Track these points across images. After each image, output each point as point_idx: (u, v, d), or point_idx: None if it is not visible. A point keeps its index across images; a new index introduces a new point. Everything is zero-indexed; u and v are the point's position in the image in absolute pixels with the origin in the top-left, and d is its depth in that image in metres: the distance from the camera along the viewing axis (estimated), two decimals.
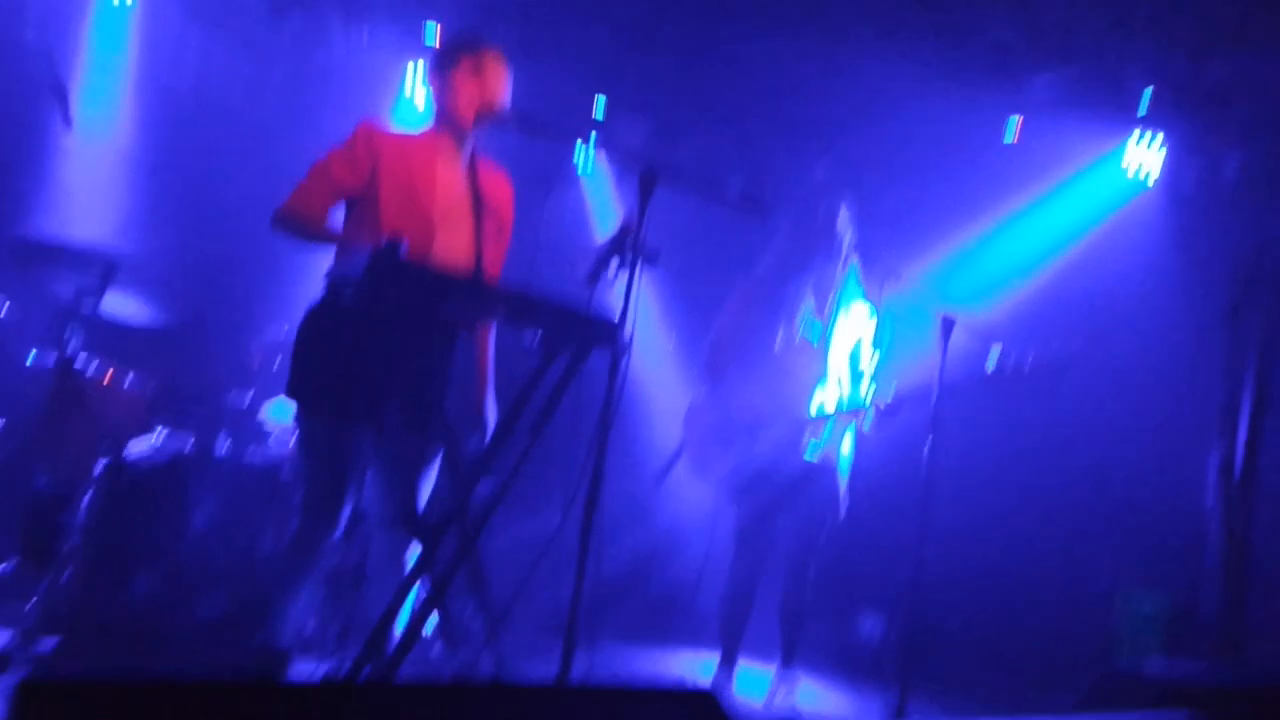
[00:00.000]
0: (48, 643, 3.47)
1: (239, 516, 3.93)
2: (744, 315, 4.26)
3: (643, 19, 5.12)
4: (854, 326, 4.26)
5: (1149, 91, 4.84)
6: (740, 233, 5.25)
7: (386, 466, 3.14)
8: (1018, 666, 4.43)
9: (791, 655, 4.23)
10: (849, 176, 5.30)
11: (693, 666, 4.35)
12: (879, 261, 4.10)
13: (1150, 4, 4.33)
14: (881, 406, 3.99)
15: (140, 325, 4.37)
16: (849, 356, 4.26)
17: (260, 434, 4.27)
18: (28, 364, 4.24)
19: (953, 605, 4.66)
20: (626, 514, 5.14)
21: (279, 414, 4.29)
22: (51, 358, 4.10)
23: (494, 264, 3.26)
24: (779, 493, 4.12)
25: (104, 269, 4.11)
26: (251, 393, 4.38)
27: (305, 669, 3.37)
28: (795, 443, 4.12)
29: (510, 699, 1.51)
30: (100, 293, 4.14)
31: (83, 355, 4.11)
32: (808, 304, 4.20)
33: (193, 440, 4.07)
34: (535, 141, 4.91)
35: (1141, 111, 4.93)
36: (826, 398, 4.19)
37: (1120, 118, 5.01)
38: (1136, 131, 5.12)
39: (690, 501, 4.87)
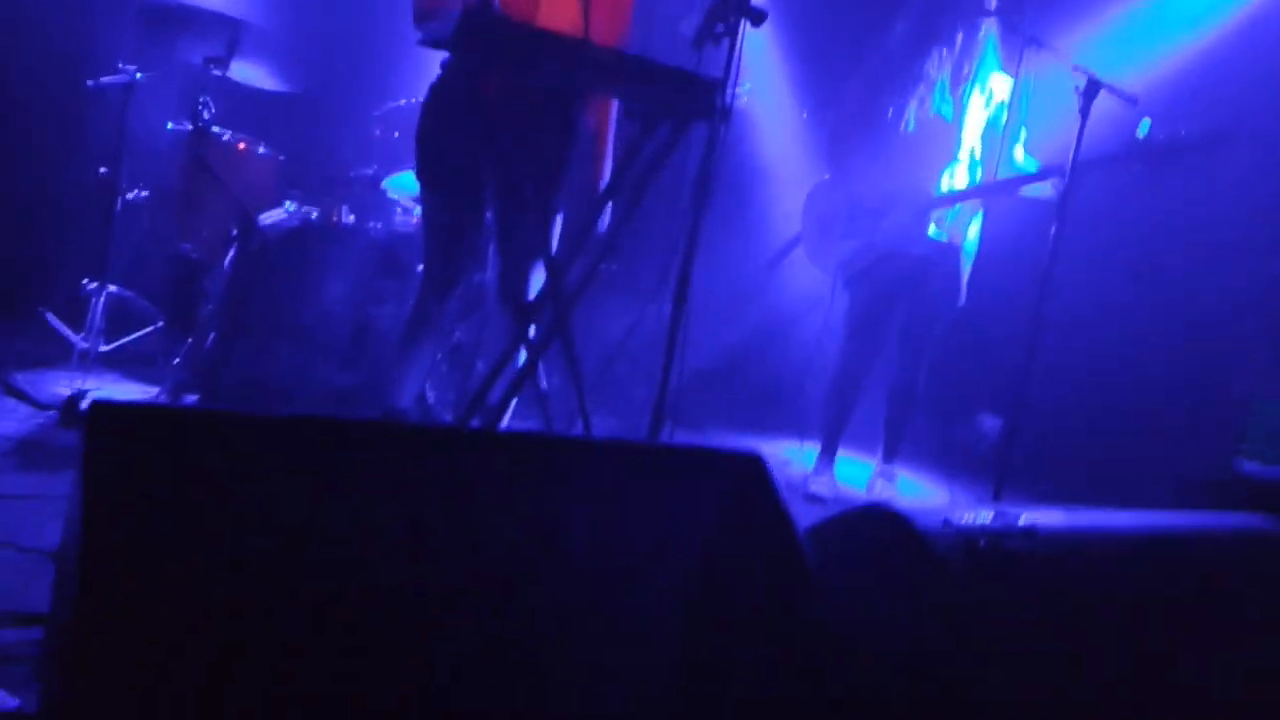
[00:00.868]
0: (190, 400, 3.74)
1: (364, 287, 4.06)
2: (870, 93, 4.04)
3: None
4: (991, 100, 4.00)
5: None
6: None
7: (504, 243, 3.19)
8: (1130, 473, 4.28)
9: (895, 447, 4.22)
10: None
11: (794, 453, 4.38)
12: (1018, 28, 3.78)
13: None
14: (1017, 185, 3.79)
15: (268, 94, 4.46)
16: (984, 133, 4.01)
17: (383, 206, 4.35)
18: (167, 130, 4.39)
19: (1065, 402, 4.48)
20: (730, 300, 5.10)
21: (401, 185, 4.36)
22: (187, 126, 4.24)
23: (608, 33, 3.13)
24: (900, 276, 4.00)
25: (230, 36, 4.18)
26: (375, 166, 4.44)
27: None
28: (921, 226, 3.97)
29: (554, 449, 1.55)
30: (228, 61, 4.23)
31: (216, 125, 4.23)
32: (941, 78, 3.94)
33: (319, 211, 4.18)
34: None
35: None
36: (957, 178, 3.99)
37: None
38: None
39: (804, 287, 4.77)
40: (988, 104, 4.02)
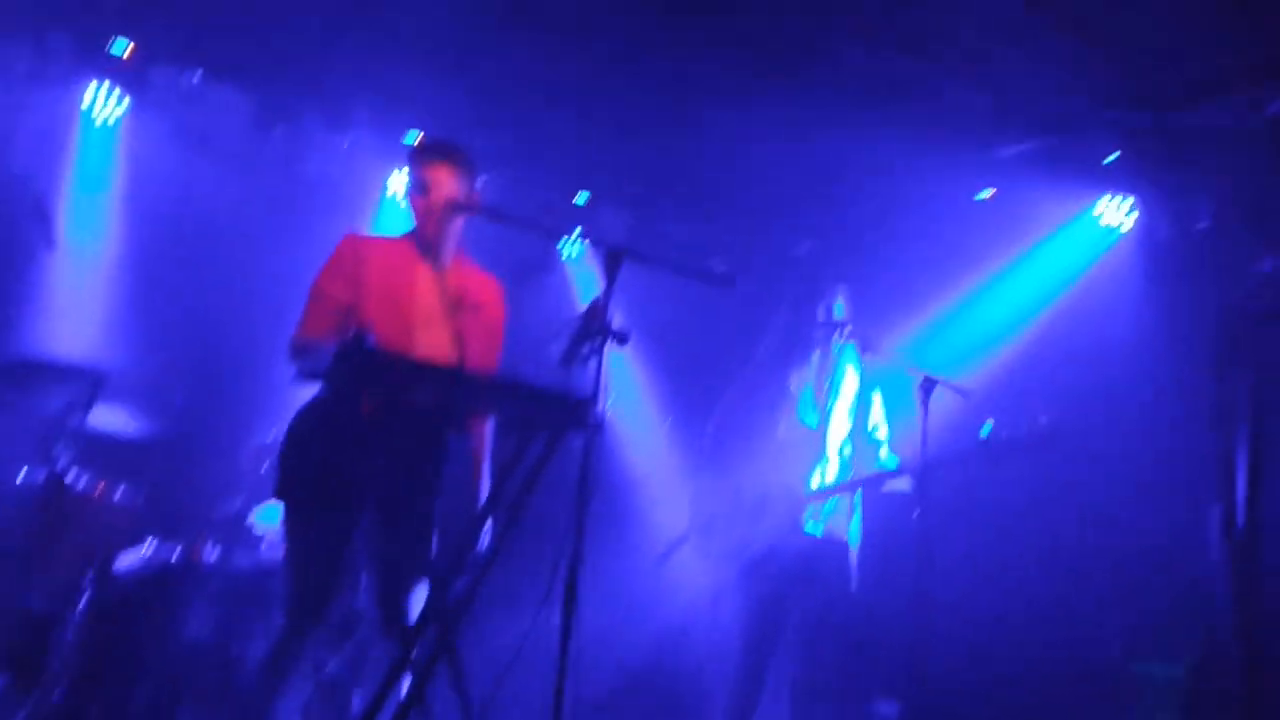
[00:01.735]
0: None
1: (229, 624, 3.89)
2: (743, 404, 4.30)
3: (618, 113, 5.23)
4: (851, 403, 4.30)
5: (1115, 155, 4.89)
6: (724, 311, 5.27)
7: (380, 564, 3.12)
8: None
9: None
10: (830, 252, 5.34)
11: None
12: (861, 334, 4.12)
13: (1105, 67, 4.41)
14: (878, 480, 4.01)
15: (129, 437, 4.40)
16: (851, 434, 4.27)
17: (250, 539, 4.25)
18: (17, 482, 4.23)
19: (962, 683, 4.53)
20: (623, 601, 5.06)
21: (268, 518, 4.28)
22: (41, 474, 4.11)
23: (480, 361, 3.28)
24: (784, 571, 4.09)
25: (91, 383, 4.16)
26: (241, 499, 4.37)
27: None
28: (796, 522, 4.11)
29: None
30: (88, 407, 4.18)
31: (73, 470, 4.12)
32: (804, 389, 4.25)
33: (181, 548, 4.05)
34: (520, 235, 5.02)
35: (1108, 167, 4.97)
36: (827, 474, 4.18)
37: (1089, 177, 5.07)
38: (1107, 196, 5.20)
39: (693, 586, 4.78)
40: (852, 409, 4.31)
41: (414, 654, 2.91)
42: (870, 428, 4.30)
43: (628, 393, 5.69)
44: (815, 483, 4.17)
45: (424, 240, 3.27)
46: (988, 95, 4.65)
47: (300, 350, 3.10)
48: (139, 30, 4.85)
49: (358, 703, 3.62)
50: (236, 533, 4.26)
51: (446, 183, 3.24)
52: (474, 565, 3.04)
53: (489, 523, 3.11)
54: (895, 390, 4.17)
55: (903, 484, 3.91)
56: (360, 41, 4.75)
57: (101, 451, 4.39)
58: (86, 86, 5.01)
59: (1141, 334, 4.93)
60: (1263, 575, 4.42)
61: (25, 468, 4.27)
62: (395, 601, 3.11)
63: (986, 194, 5.28)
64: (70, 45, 4.78)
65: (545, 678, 2.86)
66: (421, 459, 3.16)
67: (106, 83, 5.01)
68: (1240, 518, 4.44)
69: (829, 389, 4.27)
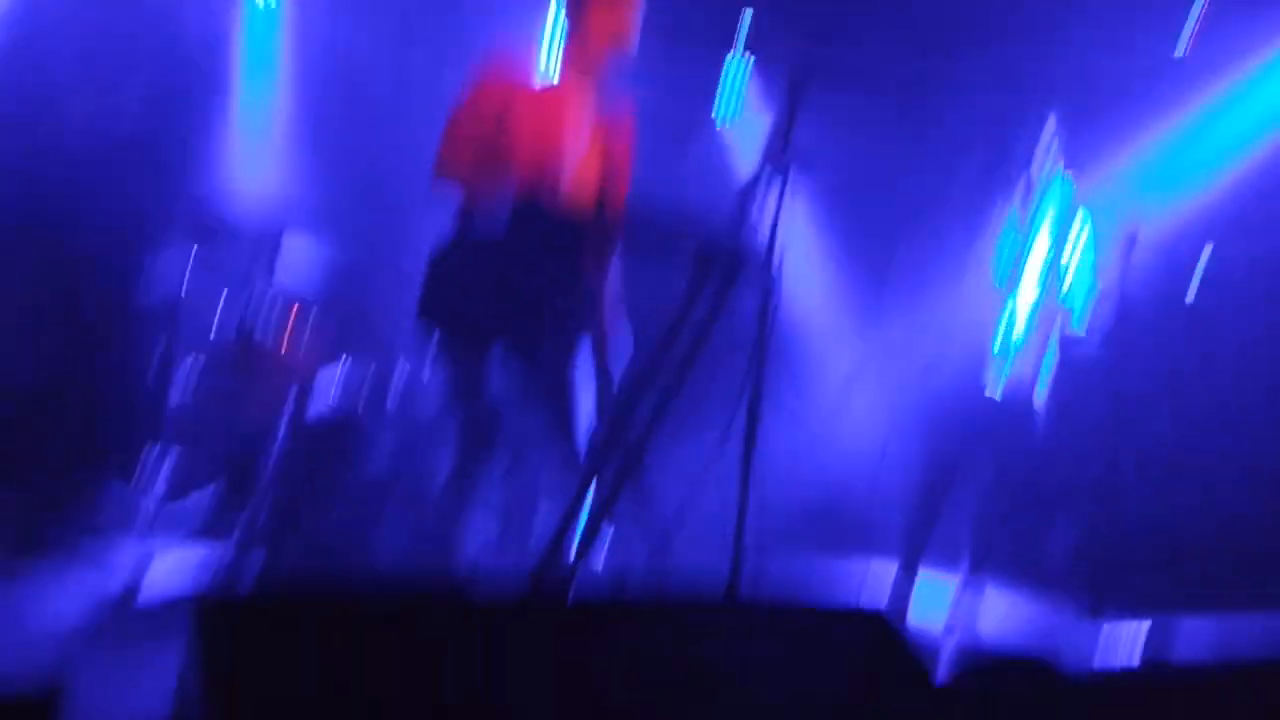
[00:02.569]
0: (250, 568, 3.69)
1: (420, 443, 4.05)
2: (933, 243, 4.08)
3: None
4: (1049, 249, 4.00)
5: None
6: (911, 146, 4.98)
7: (538, 393, 3.16)
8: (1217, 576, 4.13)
9: (980, 565, 4.08)
10: (1033, 76, 4.89)
11: (869, 579, 4.26)
12: (1066, 169, 3.81)
13: None
14: (1079, 328, 3.78)
15: (315, 271, 4.56)
16: (1047, 277, 4.01)
17: (432, 366, 4.38)
18: (222, 296, 4.44)
19: (1148, 553, 4.36)
20: (791, 437, 5.06)
21: None
22: (240, 301, 4.31)
23: (620, 195, 3.25)
24: (967, 430, 3.96)
25: (275, 237, 4.34)
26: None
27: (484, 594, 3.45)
28: (981, 379, 3.95)
29: (677, 617, 1.49)
30: (277, 239, 4.36)
31: (270, 294, 4.31)
32: (1004, 228, 3.98)
33: (375, 367, 4.22)
34: (671, 97, 4.81)
35: None
36: (1015, 329, 3.98)
37: None
38: None
39: (868, 438, 4.72)
40: (1049, 255, 4.00)
41: (596, 480, 2.97)
42: (1067, 277, 3.98)
43: (803, 235, 5.49)
44: (1000, 339, 3.99)
45: (574, 77, 3.20)
46: None
47: (448, 180, 3.08)
48: None
49: (540, 528, 3.74)
50: (419, 362, 4.39)
51: (602, 20, 3.14)
52: (657, 393, 3.05)
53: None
54: (1098, 234, 3.87)
55: (1097, 342, 3.68)
56: None
57: (295, 277, 4.58)
58: None
59: None
60: None
61: (226, 285, 4.49)
62: (571, 427, 3.15)
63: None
64: None
65: (726, 506, 2.90)
66: (571, 288, 3.14)
67: None
68: None
69: (1027, 232, 3.96)
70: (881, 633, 1.50)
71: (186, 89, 4.96)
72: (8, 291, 4.60)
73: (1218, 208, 4.64)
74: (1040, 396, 3.97)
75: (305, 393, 3.96)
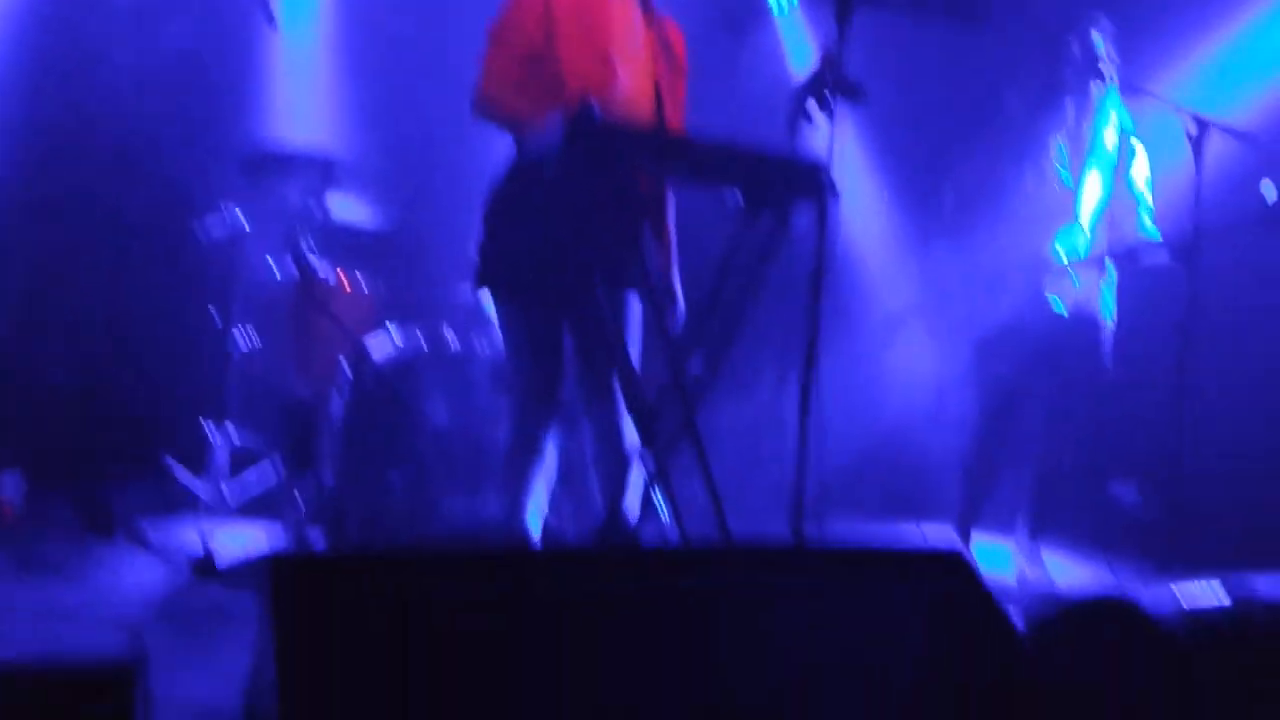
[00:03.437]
0: (314, 534, 3.71)
1: (473, 406, 4.03)
2: (988, 158, 3.96)
3: None
4: (1110, 159, 3.89)
5: None
6: (964, 59, 4.79)
7: (592, 342, 3.03)
8: None
9: (1039, 526, 4.03)
10: None
11: (927, 537, 4.20)
12: (1124, 74, 3.68)
13: None
14: (1151, 232, 3.67)
15: (363, 227, 4.52)
16: (1106, 193, 3.90)
17: (486, 323, 4.35)
18: (270, 268, 4.45)
19: (1211, 475, 4.25)
20: (848, 380, 4.98)
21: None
22: (291, 266, 4.30)
23: (675, 112, 3.08)
24: (1029, 348, 3.88)
25: (324, 171, 4.27)
26: (470, 284, 4.45)
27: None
28: (1044, 294, 3.86)
29: (749, 560, 1.47)
30: (323, 196, 4.31)
31: (316, 259, 4.29)
32: (1061, 140, 3.87)
33: (425, 335, 4.20)
34: None
35: None
36: (1082, 241, 3.87)
37: None
38: None
39: (923, 364, 4.63)
40: (1110, 165, 3.90)
41: (655, 434, 2.93)
42: (1132, 188, 3.88)
43: (850, 156, 5.37)
44: (1064, 253, 3.89)
45: None
46: None
47: (486, 106, 2.90)
48: None
49: (595, 484, 3.72)
50: (471, 318, 4.37)
51: None
52: (711, 341, 2.99)
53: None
54: (1163, 143, 3.74)
55: (1165, 256, 3.58)
56: None
57: (340, 240, 4.57)
58: None
59: None
60: None
61: (271, 254, 4.50)
62: (629, 380, 3.09)
63: None
64: None
65: (782, 458, 2.86)
66: (627, 226, 2.91)
67: None
68: None
69: (1086, 142, 3.86)
70: (959, 571, 1.46)
71: (229, 32, 4.88)
72: (57, 258, 4.61)
73: None
74: (1108, 314, 3.87)
75: (362, 349, 3.93)
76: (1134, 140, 3.88)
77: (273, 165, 4.25)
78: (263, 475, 4.20)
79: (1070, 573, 4.21)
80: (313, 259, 4.22)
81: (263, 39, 4.86)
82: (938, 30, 4.96)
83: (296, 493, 3.88)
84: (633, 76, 2.95)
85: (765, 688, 1.37)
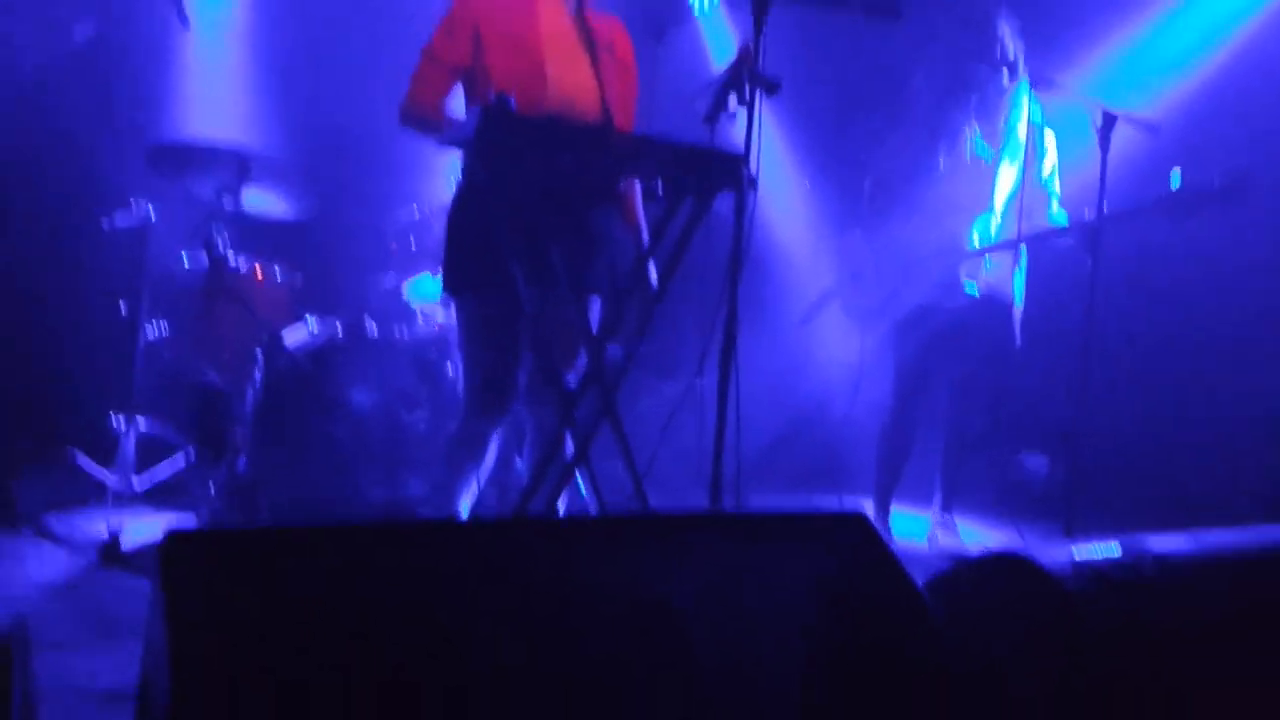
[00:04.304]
0: (229, 524, 3.65)
1: (397, 395, 4.01)
2: (906, 148, 4.03)
3: None
4: (1019, 149, 3.97)
5: None
6: (875, 53, 4.91)
7: (540, 339, 3.03)
8: (1194, 495, 4.19)
9: (951, 496, 4.15)
10: None
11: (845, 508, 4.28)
12: (1031, 68, 3.79)
13: None
14: (1050, 232, 3.77)
15: (279, 219, 4.46)
16: (1016, 182, 3.98)
17: (406, 313, 4.33)
18: (181, 261, 4.37)
19: (1117, 446, 4.40)
20: (767, 362, 5.05)
21: (419, 292, 4.34)
22: (203, 257, 4.22)
23: (622, 110, 3.11)
24: (940, 328, 3.97)
25: (239, 165, 4.20)
26: (391, 275, 4.43)
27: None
28: (956, 279, 3.95)
29: (658, 525, 1.47)
30: (238, 190, 4.23)
31: (231, 252, 4.22)
32: (973, 130, 3.95)
33: (343, 324, 4.15)
34: None
35: None
36: (990, 229, 3.97)
37: None
38: None
39: (842, 345, 4.70)
40: (1019, 155, 3.98)
41: (575, 418, 2.93)
42: (1042, 177, 4.00)
43: (770, 148, 5.45)
44: (976, 239, 3.98)
45: None
46: None
47: (411, 117, 2.94)
48: None
49: (519, 466, 3.71)
50: (393, 307, 4.34)
51: None
52: (630, 328, 3.01)
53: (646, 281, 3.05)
54: (1070, 133, 3.85)
55: (1071, 241, 3.67)
56: None
57: (255, 234, 4.50)
58: None
59: None
60: None
61: (184, 251, 4.42)
62: (556, 370, 3.09)
63: None
64: None
65: (700, 437, 2.89)
66: (580, 227, 3.01)
67: None
68: None
69: (998, 133, 3.97)
70: (860, 531, 1.49)
71: (143, 31, 4.83)
72: None
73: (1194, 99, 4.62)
74: (1018, 296, 3.97)
75: (276, 339, 3.88)
76: (1045, 131, 3.98)
77: (184, 160, 4.16)
78: (174, 465, 4.12)
79: (982, 538, 4.33)
80: (227, 251, 4.15)
81: (177, 37, 4.81)
82: (854, 24, 5.06)
83: (210, 482, 3.81)
84: (570, 80, 2.98)
85: (664, 649, 1.37)
